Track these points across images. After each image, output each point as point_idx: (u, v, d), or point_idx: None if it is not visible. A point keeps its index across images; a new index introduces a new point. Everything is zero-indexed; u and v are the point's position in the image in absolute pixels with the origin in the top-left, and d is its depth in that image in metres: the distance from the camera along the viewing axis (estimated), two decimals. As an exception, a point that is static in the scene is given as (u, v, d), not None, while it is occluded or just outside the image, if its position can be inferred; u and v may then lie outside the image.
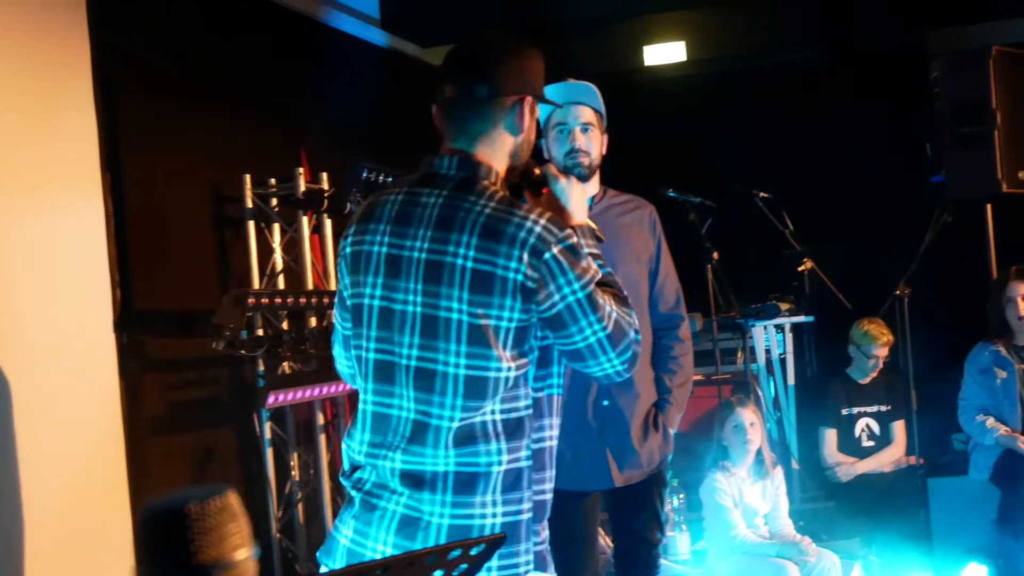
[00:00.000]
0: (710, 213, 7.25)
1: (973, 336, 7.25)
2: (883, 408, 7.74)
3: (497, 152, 3.07)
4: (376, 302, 3.01)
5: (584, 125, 4.62)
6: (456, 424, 2.90)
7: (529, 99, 3.09)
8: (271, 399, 6.30)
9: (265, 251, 6.80)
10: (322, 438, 7.00)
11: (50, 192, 5.40)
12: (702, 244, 7.21)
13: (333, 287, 7.01)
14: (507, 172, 3.12)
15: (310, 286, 6.85)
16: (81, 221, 5.59)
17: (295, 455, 6.91)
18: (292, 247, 6.90)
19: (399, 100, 8.61)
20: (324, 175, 6.95)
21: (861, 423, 7.73)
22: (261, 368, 6.50)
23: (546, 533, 3.09)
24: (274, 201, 6.80)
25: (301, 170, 6.78)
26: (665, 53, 10.21)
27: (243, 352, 6.18)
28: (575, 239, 2.98)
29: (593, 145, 4.64)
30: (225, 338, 5.98)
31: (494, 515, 2.92)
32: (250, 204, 6.68)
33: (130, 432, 5.77)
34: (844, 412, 7.74)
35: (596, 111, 4.68)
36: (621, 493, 4.70)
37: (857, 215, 8.95)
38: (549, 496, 3.10)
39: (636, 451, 4.65)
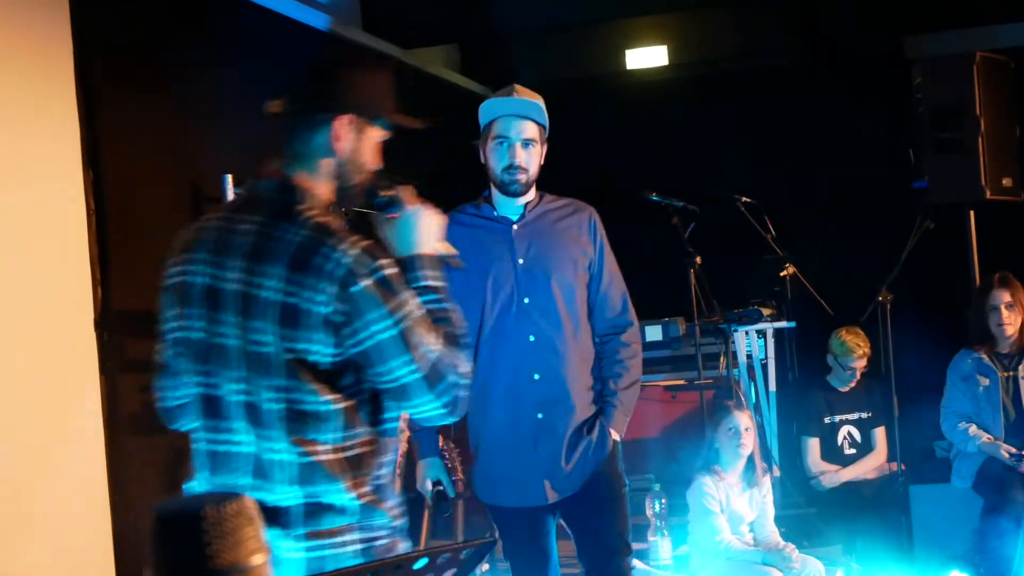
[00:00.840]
0: (693, 217, 7.24)
1: (955, 343, 7.26)
2: (864, 415, 7.75)
3: (317, 174, 2.96)
4: (200, 335, 2.90)
5: (526, 141, 4.53)
6: (291, 459, 2.81)
7: (348, 118, 2.98)
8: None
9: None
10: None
11: (31, 190, 5.35)
12: (684, 248, 7.18)
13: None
14: (347, 193, 3.03)
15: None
16: (62, 219, 5.54)
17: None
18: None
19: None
20: (306, 175, 6.91)
21: (843, 431, 7.74)
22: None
23: (402, 547, 3.02)
24: (255, 201, 6.75)
25: (281, 170, 6.73)
26: (647, 57, 10.23)
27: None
28: (391, 271, 2.85)
29: (533, 161, 4.57)
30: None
31: (354, 544, 2.86)
32: (231, 204, 6.65)
33: (110, 431, 5.72)
34: (826, 420, 7.74)
35: (540, 125, 4.59)
36: (572, 505, 4.64)
37: (839, 220, 8.96)
38: (399, 521, 3.01)
39: (565, 467, 4.57)
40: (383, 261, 2.83)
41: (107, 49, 6.00)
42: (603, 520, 4.65)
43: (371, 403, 2.92)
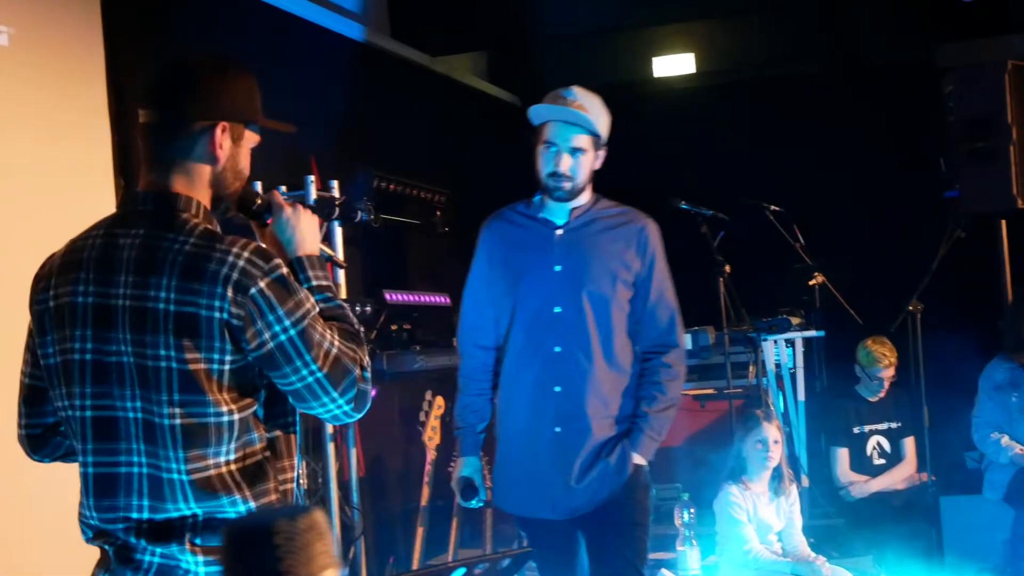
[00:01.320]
0: (722, 226, 7.23)
1: (986, 353, 7.25)
2: (893, 425, 7.74)
3: (195, 183, 2.87)
4: (88, 356, 2.79)
5: (574, 149, 4.38)
6: (189, 477, 2.73)
7: (225, 125, 2.90)
8: (282, 406, 6.28)
9: (275, 259, 6.77)
10: (331, 447, 6.97)
11: (65, 196, 5.38)
12: (713, 257, 7.16)
13: (344, 295, 6.99)
14: (223, 202, 2.94)
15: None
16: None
17: (304, 464, 6.87)
18: (302, 255, 6.87)
19: (409, 109, 8.61)
20: (335, 183, 6.93)
21: (872, 441, 7.73)
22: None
23: None
24: (285, 208, 6.77)
25: (312, 178, 6.76)
26: (674, 65, 10.25)
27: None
28: (284, 270, 2.81)
29: (581, 170, 4.41)
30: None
31: None
32: (261, 211, 6.65)
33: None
34: (855, 430, 7.74)
35: (592, 134, 4.43)
36: (588, 526, 4.51)
37: (868, 229, 8.96)
38: None
39: (575, 486, 4.43)
40: (276, 261, 2.79)
41: (139, 55, 6.03)
42: (614, 548, 4.49)
43: (268, 407, 2.86)
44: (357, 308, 6.81)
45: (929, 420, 7.67)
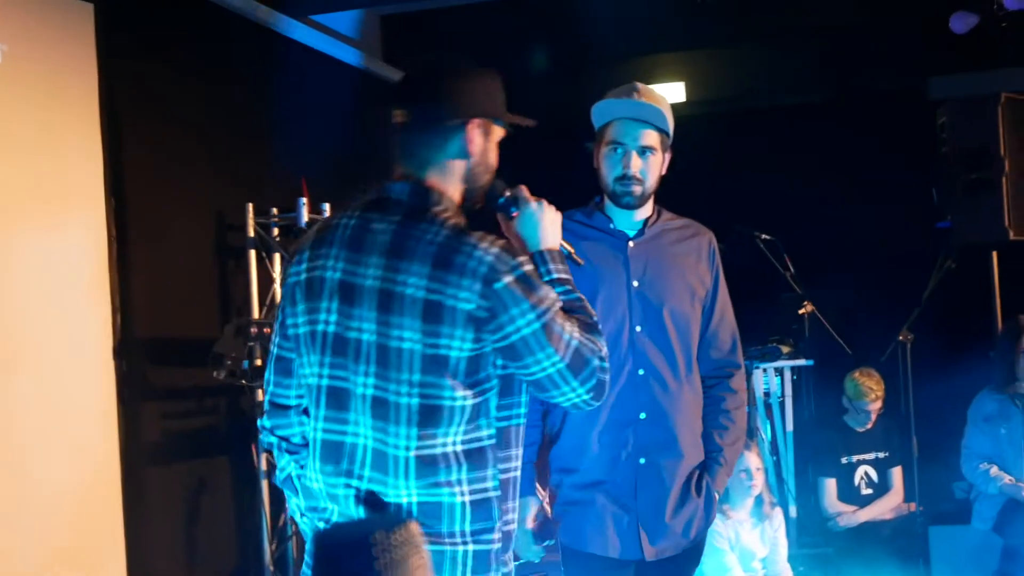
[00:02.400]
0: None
1: (976, 384, 7.23)
2: (881, 455, 7.72)
3: (448, 177, 3.02)
4: (332, 328, 2.94)
5: (644, 148, 4.04)
6: (414, 453, 2.85)
7: (478, 122, 3.01)
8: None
9: (265, 280, 6.79)
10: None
11: (54, 216, 5.39)
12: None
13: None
14: (473, 194, 3.07)
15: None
16: (84, 246, 5.58)
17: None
18: (293, 277, 6.87)
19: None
20: (327, 205, 6.94)
21: (860, 471, 7.71)
22: (259, 398, 6.46)
23: (512, 564, 3.03)
24: (276, 230, 6.77)
25: (304, 200, 6.77)
26: (665, 93, 10.21)
27: (243, 381, 6.15)
28: (529, 267, 2.92)
29: (651, 171, 4.07)
30: (226, 367, 6.01)
31: (464, 543, 2.87)
32: (252, 233, 6.70)
33: (126, 460, 5.74)
34: (843, 460, 7.71)
35: (662, 132, 4.07)
36: (652, 567, 4.10)
37: (860, 259, 8.96)
38: (515, 526, 3.03)
39: (669, 522, 4.08)
40: (521, 259, 2.91)
41: (132, 77, 6.04)
42: None
43: (500, 398, 2.99)
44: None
45: (918, 450, 7.66)
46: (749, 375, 7.43)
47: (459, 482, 2.88)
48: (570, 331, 2.92)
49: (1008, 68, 8.72)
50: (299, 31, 7.52)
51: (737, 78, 10.14)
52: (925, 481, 7.72)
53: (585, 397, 2.96)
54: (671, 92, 10.20)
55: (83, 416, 5.50)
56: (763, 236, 8.23)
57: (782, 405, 8.01)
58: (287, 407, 3.13)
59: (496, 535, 2.95)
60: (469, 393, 2.88)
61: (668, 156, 4.15)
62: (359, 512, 2.87)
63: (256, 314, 6.64)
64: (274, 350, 3.16)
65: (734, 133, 9.68)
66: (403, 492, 2.85)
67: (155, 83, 6.28)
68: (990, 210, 7.52)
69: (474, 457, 2.91)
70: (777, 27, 8.92)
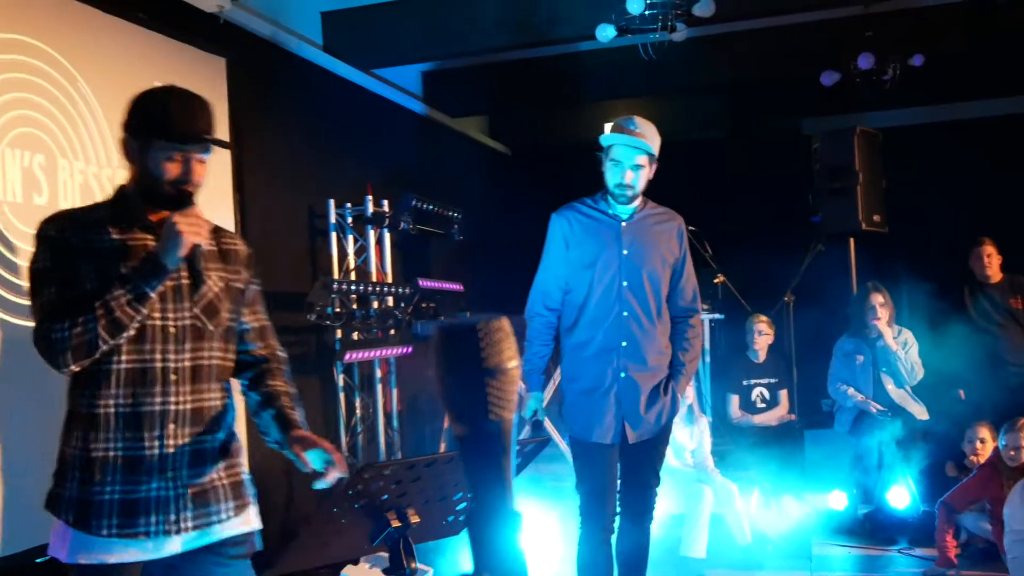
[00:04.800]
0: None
1: (836, 331, 7.29)
2: (772, 380, 7.73)
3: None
4: None
5: (635, 165, 4.16)
6: None
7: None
8: (347, 356, 6.31)
9: (342, 254, 6.82)
10: (379, 387, 7.00)
11: (202, 206, 5.38)
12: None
13: (390, 281, 7.03)
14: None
15: (374, 279, 6.86)
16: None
17: (359, 399, 6.90)
18: (361, 252, 6.91)
19: (435, 153, 8.65)
20: (385, 201, 6.97)
21: (756, 391, 7.72)
22: (338, 335, 6.51)
23: None
24: (350, 219, 6.81)
25: (369, 198, 6.80)
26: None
27: (328, 323, 6.19)
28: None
29: (640, 180, 4.21)
30: (316, 312, 6.03)
31: None
32: (333, 220, 6.70)
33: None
34: (744, 383, 7.73)
35: (649, 154, 4.22)
36: (632, 447, 4.23)
37: (756, 244, 8.96)
38: None
39: (643, 416, 4.20)
40: None
41: (251, 105, 6.04)
42: (648, 459, 4.27)
43: None
44: (402, 290, 6.85)
45: (797, 377, 7.72)
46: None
47: None
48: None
49: (860, 112, 8.80)
50: (367, 81, 7.56)
51: (669, 118, 10.14)
52: (802, 399, 7.78)
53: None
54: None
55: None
56: (690, 227, 8.23)
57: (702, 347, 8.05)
58: None
59: None
60: None
61: (655, 167, 4.27)
62: None
63: (336, 275, 6.67)
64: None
65: (668, 158, 9.63)
66: None
67: (267, 103, 6.29)
68: (848, 208, 7.58)
69: None
70: (696, 81, 8.95)
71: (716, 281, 8.30)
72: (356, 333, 6.58)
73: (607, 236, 4.24)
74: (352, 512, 1.86)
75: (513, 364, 0.95)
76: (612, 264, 4.21)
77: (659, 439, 4.30)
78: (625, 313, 4.20)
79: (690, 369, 4.34)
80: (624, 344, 4.19)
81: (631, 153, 4.15)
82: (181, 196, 2.59)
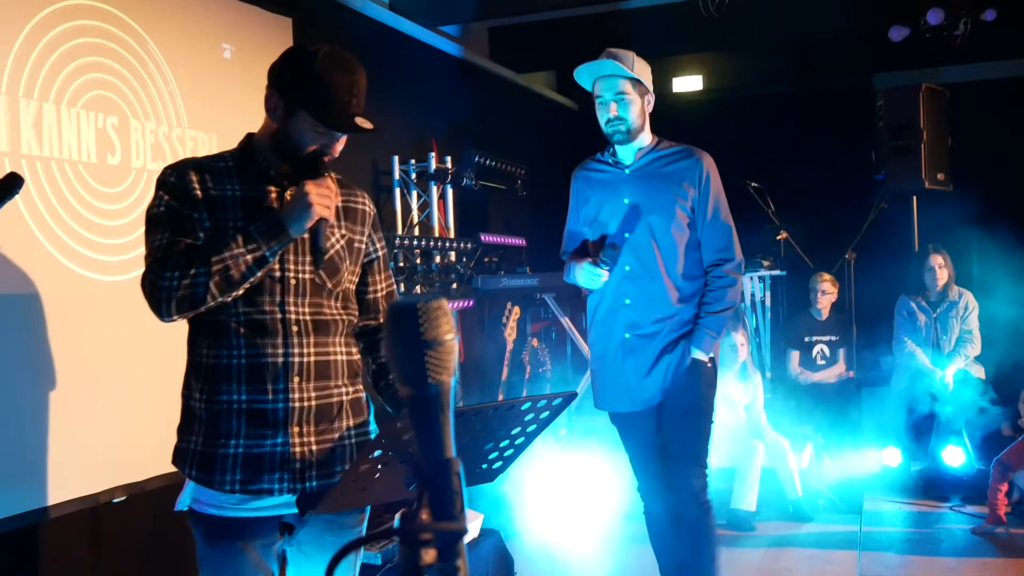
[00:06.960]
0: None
1: (897, 290, 7.31)
2: (833, 338, 7.78)
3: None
4: None
5: (618, 95, 3.77)
6: None
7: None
8: (409, 311, 6.48)
9: (406, 209, 6.96)
10: (442, 340, 7.15)
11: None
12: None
13: (453, 236, 7.18)
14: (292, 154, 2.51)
15: (436, 235, 7.01)
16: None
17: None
18: (424, 207, 7.06)
19: (501, 108, 8.75)
20: (448, 158, 7.10)
21: (817, 347, 7.77)
22: (401, 289, 6.67)
23: None
24: (414, 175, 6.95)
25: (433, 154, 6.93)
26: (687, 83, 10.28)
27: (391, 277, 6.33)
28: None
29: (630, 112, 3.79)
30: (379, 267, 6.14)
31: None
32: (397, 176, 6.83)
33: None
34: (806, 339, 7.79)
35: (631, 79, 3.78)
36: (663, 408, 3.87)
37: (820, 201, 8.98)
38: None
39: (641, 383, 3.87)
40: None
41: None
42: (674, 429, 3.84)
43: None
44: (464, 245, 7.01)
45: (856, 335, 7.76)
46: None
47: None
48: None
49: (930, 67, 8.72)
50: (433, 39, 7.66)
51: (735, 73, 10.15)
52: (860, 357, 7.82)
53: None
54: (692, 83, 10.27)
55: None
56: (753, 184, 8.29)
57: (763, 303, 8.11)
58: None
59: None
60: None
61: (650, 97, 3.90)
62: None
63: (400, 230, 6.82)
64: None
65: (733, 113, 9.71)
66: None
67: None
68: (912, 167, 7.57)
69: None
70: (763, 37, 8.92)
71: (779, 238, 8.33)
72: (419, 287, 6.75)
73: (610, 186, 3.91)
74: (389, 458, 2.02)
75: (449, 337, 1.12)
76: (615, 215, 3.87)
77: (677, 402, 3.85)
78: (627, 268, 3.87)
79: (715, 324, 3.81)
80: (627, 302, 3.89)
81: (609, 83, 3.78)
82: (316, 164, 2.49)
